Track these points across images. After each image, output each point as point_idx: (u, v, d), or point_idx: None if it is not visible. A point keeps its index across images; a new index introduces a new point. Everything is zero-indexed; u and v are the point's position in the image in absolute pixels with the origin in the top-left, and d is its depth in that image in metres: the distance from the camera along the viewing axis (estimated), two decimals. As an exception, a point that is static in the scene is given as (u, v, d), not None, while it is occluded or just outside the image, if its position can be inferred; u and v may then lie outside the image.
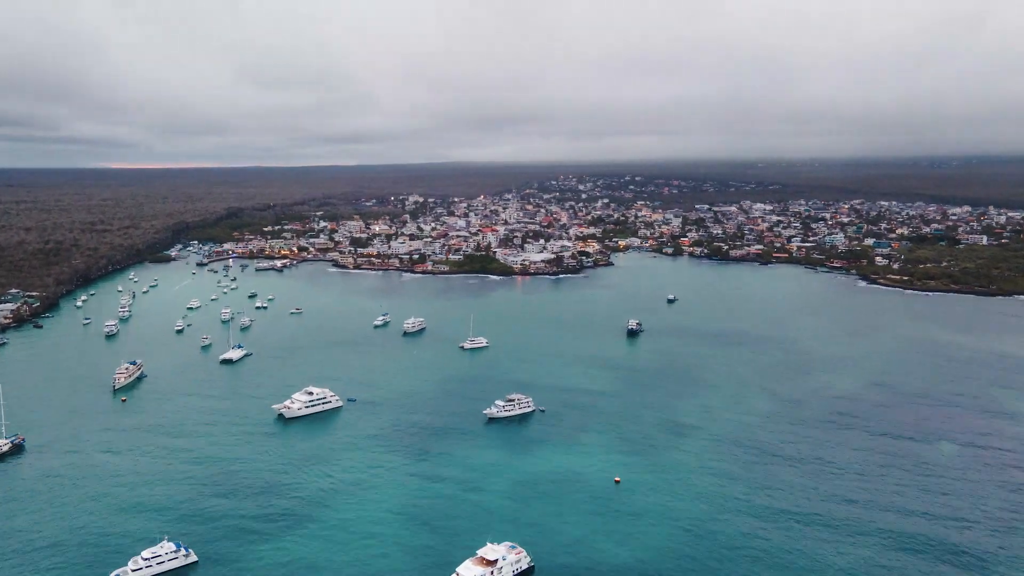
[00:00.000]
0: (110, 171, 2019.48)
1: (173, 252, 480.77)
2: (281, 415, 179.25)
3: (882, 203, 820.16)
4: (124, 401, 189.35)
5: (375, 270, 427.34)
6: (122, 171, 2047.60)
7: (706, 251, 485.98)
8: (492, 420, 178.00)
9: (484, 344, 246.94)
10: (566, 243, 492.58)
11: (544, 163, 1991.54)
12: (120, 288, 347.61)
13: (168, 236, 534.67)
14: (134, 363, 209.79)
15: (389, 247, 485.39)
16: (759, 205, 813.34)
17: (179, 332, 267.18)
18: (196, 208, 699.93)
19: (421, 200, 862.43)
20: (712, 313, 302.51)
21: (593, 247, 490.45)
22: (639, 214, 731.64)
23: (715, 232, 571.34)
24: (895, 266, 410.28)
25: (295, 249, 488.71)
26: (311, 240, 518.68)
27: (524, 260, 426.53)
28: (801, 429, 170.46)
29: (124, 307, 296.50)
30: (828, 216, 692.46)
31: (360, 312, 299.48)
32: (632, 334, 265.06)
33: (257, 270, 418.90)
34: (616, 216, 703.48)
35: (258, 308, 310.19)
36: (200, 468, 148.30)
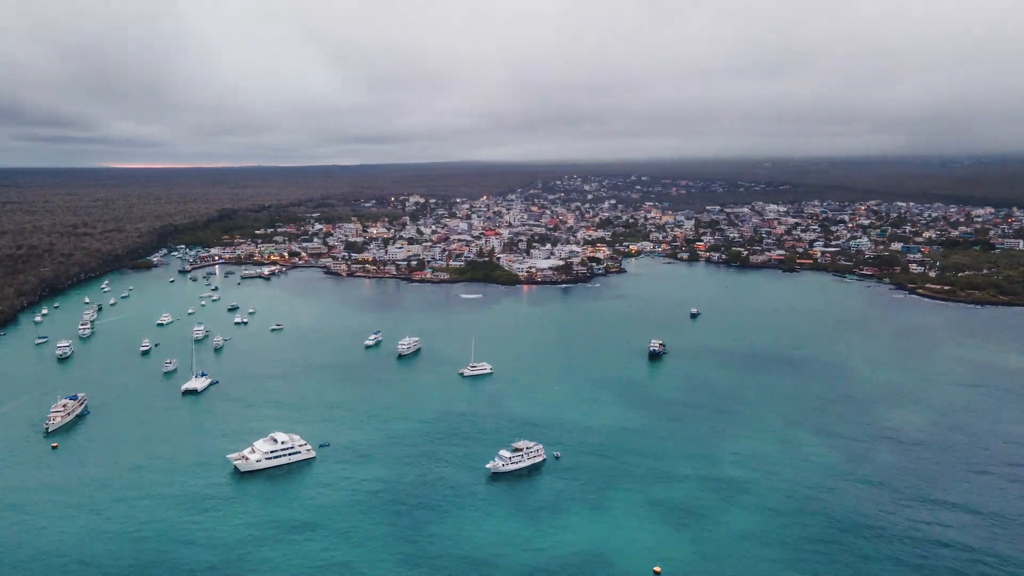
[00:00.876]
0: (126, 171, 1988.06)
1: (156, 258, 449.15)
2: (237, 469, 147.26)
3: (899, 204, 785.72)
4: (55, 448, 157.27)
5: (370, 278, 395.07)
6: (140, 170, 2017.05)
7: (724, 257, 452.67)
8: (496, 475, 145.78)
9: (487, 371, 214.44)
10: (575, 248, 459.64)
11: (548, 163, 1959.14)
12: (87, 300, 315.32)
13: (154, 240, 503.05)
14: (74, 398, 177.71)
15: (386, 252, 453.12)
16: (772, 206, 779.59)
17: (144, 354, 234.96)
18: (188, 210, 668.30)
19: (422, 201, 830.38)
20: (741, 329, 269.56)
21: (603, 252, 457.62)
22: (649, 216, 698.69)
23: (731, 236, 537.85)
24: (932, 274, 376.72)
25: (286, 254, 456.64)
26: (303, 244, 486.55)
27: (530, 267, 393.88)
28: (883, 494, 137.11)
29: (85, 324, 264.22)
30: (847, 218, 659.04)
31: (349, 330, 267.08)
32: (654, 356, 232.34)
33: (243, 278, 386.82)
34: (625, 218, 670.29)
35: (237, 324, 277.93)
36: (115, 547, 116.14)
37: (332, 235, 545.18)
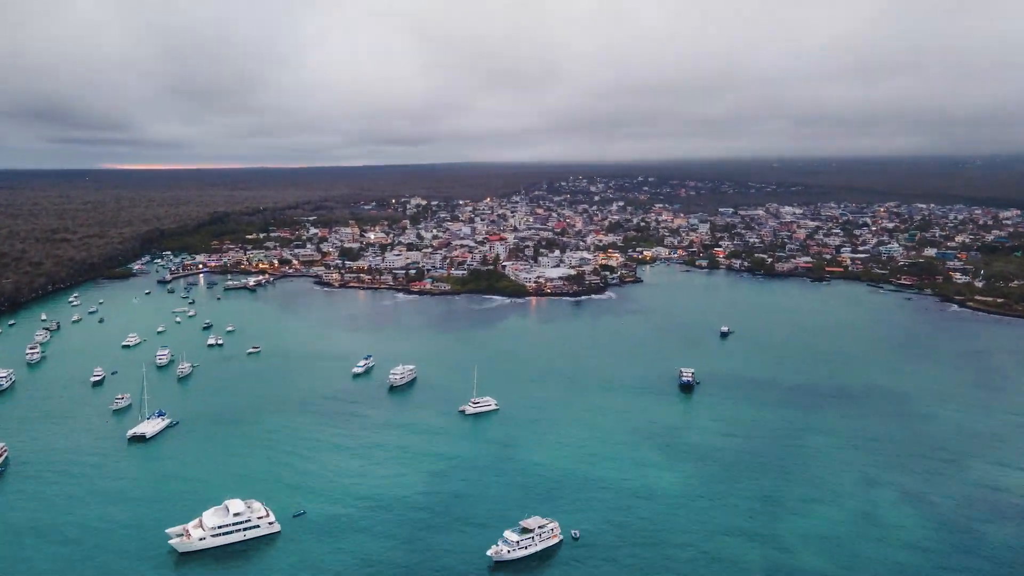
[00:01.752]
0: (147, 172, 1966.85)
1: (136, 266, 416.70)
2: (175, 550, 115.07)
3: (920, 205, 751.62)
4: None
5: (365, 288, 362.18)
6: (164, 171, 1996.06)
7: (746, 264, 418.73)
8: (499, 564, 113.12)
9: (492, 407, 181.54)
10: (585, 255, 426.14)
11: (553, 163, 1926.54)
12: (44, 317, 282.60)
13: (136, 246, 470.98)
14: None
15: (383, 259, 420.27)
16: (787, 208, 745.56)
17: (96, 384, 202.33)
18: (179, 213, 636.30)
19: (424, 203, 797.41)
20: (782, 352, 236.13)
21: (616, 259, 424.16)
22: (660, 218, 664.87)
23: (750, 241, 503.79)
24: (978, 283, 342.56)
25: (276, 262, 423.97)
26: (295, 251, 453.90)
27: (538, 277, 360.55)
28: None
29: (34, 348, 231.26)
30: (868, 221, 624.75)
31: (336, 353, 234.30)
32: (686, 388, 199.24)
33: (226, 289, 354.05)
34: (636, 221, 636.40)
35: (210, 347, 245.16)
36: None
37: (328, 240, 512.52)
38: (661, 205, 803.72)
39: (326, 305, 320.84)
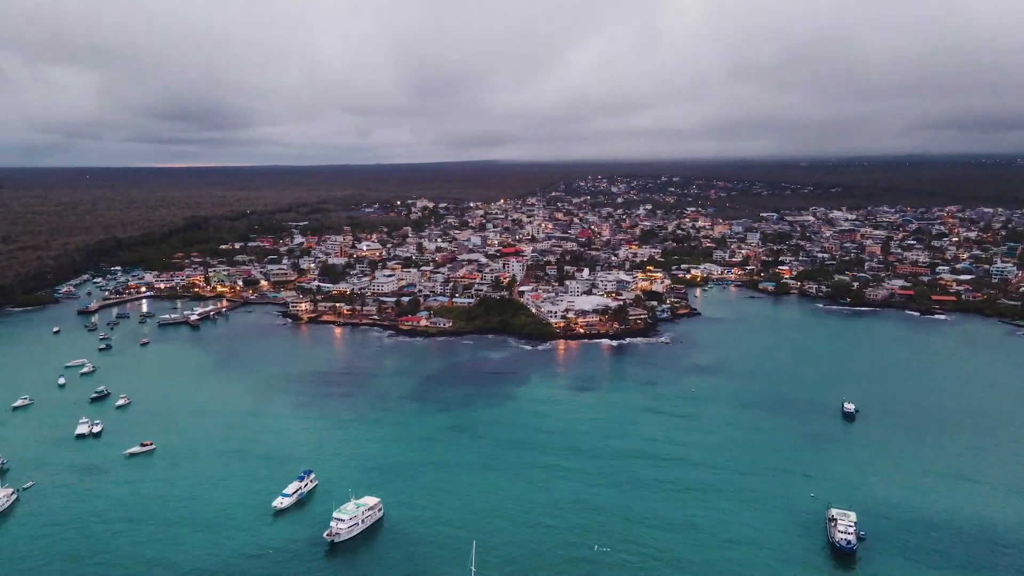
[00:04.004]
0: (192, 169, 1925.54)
1: (66, 288, 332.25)
2: None
3: (986, 209, 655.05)
4: None
5: (342, 324, 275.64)
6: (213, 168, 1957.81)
7: (824, 289, 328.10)
8: None
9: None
10: (622, 276, 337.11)
11: (569, 162, 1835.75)
12: None
13: (80, 259, 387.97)
14: None
15: (372, 280, 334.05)
16: (837, 213, 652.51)
17: None
18: (150, 218, 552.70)
19: (430, 206, 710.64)
20: (968, 458, 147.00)
21: (661, 282, 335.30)
22: (697, 224, 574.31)
23: (816, 255, 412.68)
24: None
25: (239, 284, 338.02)
26: (267, 267, 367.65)
27: (567, 310, 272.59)
28: None
29: None
30: (942, 228, 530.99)
31: (262, 456, 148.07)
32: (842, 554, 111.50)
33: (161, 325, 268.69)
34: (671, 228, 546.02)
35: (80, 438, 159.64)
36: None
37: (312, 251, 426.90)
38: (694, 209, 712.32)
39: (282, 353, 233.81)
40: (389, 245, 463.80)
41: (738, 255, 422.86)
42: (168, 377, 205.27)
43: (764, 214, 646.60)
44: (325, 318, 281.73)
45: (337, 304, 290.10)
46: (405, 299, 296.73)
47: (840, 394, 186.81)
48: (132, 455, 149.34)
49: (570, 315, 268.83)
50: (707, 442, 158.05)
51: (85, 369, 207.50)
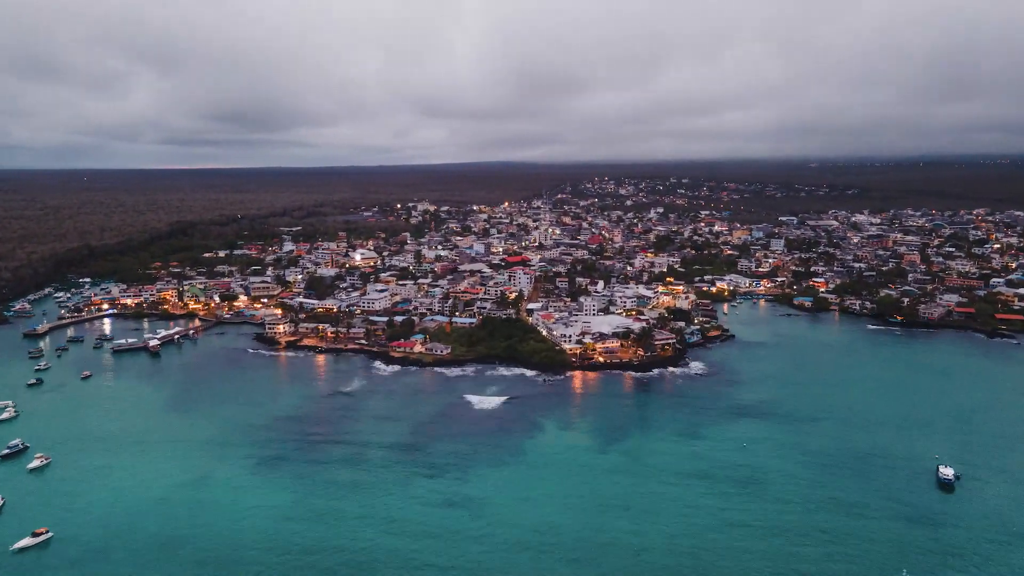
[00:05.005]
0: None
1: (20, 304, 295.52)
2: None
3: (1016, 212, 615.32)
4: None
5: (324, 351, 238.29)
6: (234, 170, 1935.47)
7: (869, 305, 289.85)
8: None
9: None
10: (643, 291, 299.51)
11: (574, 163, 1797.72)
12: None
13: (48, 270, 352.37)
14: None
15: (363, 295, 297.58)
16: (860, 216, 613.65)
17: None
18: (133, 223, 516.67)
19: (432, 209, 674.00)
20: None
21: (684, 295, 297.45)
22: (714, 229, 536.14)
23: (851, 265, 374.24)
24: None
25: (214, 300, 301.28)
26: (249, 280, 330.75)
27: (583, 333, 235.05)
28: None
29: None
30: (976, 232, 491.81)
31: (192, 561, 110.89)
32: None
33: (115, 352, 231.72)
34: (687, 234, 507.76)
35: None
36: None
37: (301, 260, 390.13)
38: (708, 213, 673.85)
39: (250, 390, 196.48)
40: (386, 253, 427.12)
41: (765, 264, 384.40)
42: (104, 425, 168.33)
43: (783, 218, 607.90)
44: (306, 342, 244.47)
45: (320, 326, 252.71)
46: (398, 318, 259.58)
47: (926, 448, 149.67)
48: (21, 550, 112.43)
49: (587, 340, 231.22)
50: (781, 523, 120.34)
51: (4, 415, 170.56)
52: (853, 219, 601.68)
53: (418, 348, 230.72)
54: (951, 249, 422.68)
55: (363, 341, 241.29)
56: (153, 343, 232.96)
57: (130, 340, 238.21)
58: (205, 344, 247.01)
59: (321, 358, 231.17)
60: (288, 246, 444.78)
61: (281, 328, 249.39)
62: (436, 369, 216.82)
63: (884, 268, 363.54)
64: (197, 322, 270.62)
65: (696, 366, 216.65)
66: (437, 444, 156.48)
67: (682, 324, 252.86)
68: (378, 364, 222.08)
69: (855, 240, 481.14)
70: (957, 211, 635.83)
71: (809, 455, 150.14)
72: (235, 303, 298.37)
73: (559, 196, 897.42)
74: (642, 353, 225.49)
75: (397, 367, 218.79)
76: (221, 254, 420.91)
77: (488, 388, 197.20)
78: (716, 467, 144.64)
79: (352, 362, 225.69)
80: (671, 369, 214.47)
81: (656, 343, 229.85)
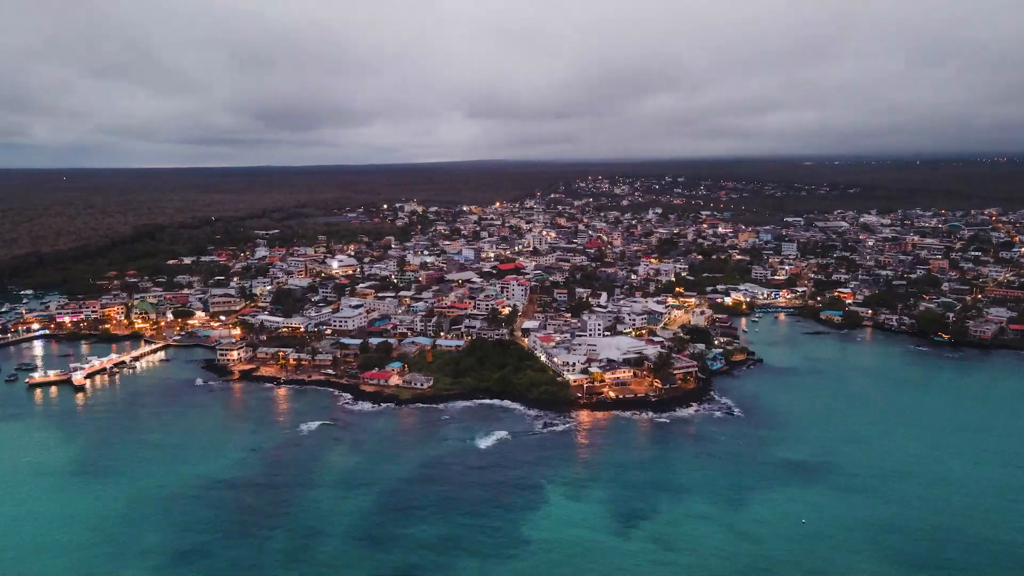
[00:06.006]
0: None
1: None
2: None
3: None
4: None
5: (285, 383, 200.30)
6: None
7: (908, 323, 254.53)
8: None
9: None
10: (654, 307, 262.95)
11: (565, 161, 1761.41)
12: None
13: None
14: None
15: (337, 308, 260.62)
16: (868, 217, 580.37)
17: None
18: (95, 226, 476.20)
19: (419, 211, 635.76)
20: None
21: (700, 311, 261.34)
22: (718, 231, 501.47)
23: (876, 272, 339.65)
24: None
25: (166, 318, 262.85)
26: (210, 293, 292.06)
27: (588, 360, 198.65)
28: None
29: None
30: (997, 234, 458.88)
31: None
32: None
33: (31, 387, 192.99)
34: (689, 236, 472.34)
35: None
36: None
37: (272, 269, 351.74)
38: (709, 213, 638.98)
39: (184, 439, 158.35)
40: (367, 259, 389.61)
41: (780, 272, 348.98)
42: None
43: (789, 219, 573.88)
44: (264, 371, 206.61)
45: (282, 351, 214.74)
46: (374, 340, 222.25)
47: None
48: None
49: (593, 368, 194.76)
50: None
51: None
52: (862, 220, 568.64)
53: (395, 380, 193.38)
54: (977, 253, 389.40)
55: (331, 371, 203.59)
56: (78, 377, 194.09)
57: (52, 372, 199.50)
58: (146, 375, 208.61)
59: (281, 392, 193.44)
60: (261, 252, 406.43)
61: (235, 354, 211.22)
62: (416, 406, 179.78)
63: (911, 275, 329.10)
64: (144, 345, 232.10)
65: (725, 403, 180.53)
66: (411, 528, 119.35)
67: (702, 347, 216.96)
68: (347, 401, 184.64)
69: (870, 243, 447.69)
70: (968, 211, 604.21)
71: (893, 539, 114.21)
72: (190, 321, 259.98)
73: (552, 196, 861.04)
74: (659, 385, 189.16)
75: (369, 405, 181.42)
76: (187, 260, 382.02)
77: (477, 433, 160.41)
78: (774, 562, 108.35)
79: (316, 398, 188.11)
80: (696, 407, 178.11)
81: (675, 372, 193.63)
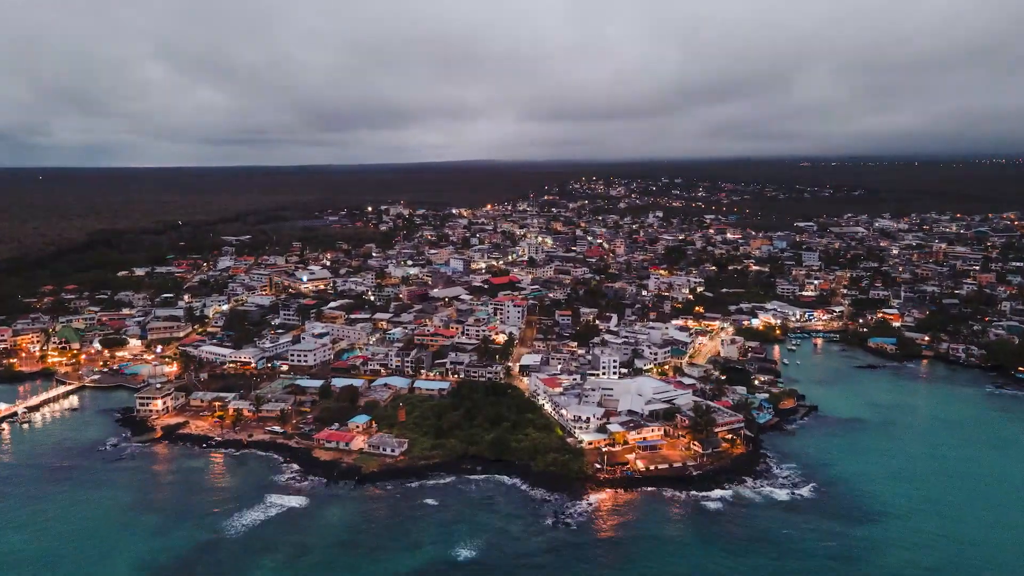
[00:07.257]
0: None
1: None
2: None
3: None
4: None
5: (223, 441, 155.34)
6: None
7: (976, 353, 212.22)
8: None
9: None
10: (678, 335, 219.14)
11: (557, 163, 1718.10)
12: None
13: None
14: None
15: (299, 334, 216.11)
16: (883, 221, 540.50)
17: None
18: (46, 232, 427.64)
19: (406, 214, 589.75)
20: None
21: (730, 339, 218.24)
22: (727, 237, 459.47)
23: (920, 287, 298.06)
24: None
25: (92, 348, 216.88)
26: (154, 315, 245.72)
27: (605, 415, 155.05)
28: None
29: None
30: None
31: None
32: None
33: None
34: (698, 244, 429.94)
35: None
36: None
37: (232, 282, 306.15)
38: (713, 217, 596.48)
39: (40, 559, 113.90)
40: (344, 270, 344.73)
41: (808, 286, 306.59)
42: None
43: (801, 224, 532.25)
44: (194, 427, 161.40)
45: (217, 402, 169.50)
46: (337, 382, 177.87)
47: None
48: None
49: (613, 426, 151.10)
50: None
51: None
52: (877, 224, 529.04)
53: (358, 443, 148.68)
54: (1019, 264, 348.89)
55: (278, 428, 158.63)
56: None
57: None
58: (41, 431, 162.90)
59: (216, 459, 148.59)
60: (225, 262, 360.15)
61: (160, 403, 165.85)
62: (383, 484, 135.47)
63: (958, 291, 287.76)
64: (53, 387, 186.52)
65: (785, 476, 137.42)
66: None
67: (742, 391, 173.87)
68: (294, 474, 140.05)
69: (894, 251, 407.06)
70: (986, 214, 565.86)
71: None
72: (119, 352, 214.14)
73: (546, 198, 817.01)
74: (699, 448, 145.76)
75: (322, 480, 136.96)
76: (140, 272, 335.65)
77: (460, 530, 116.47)
78: None
79: (255, 469, 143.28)
80: (749, 483, 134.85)
81: (719, 430, 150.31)
